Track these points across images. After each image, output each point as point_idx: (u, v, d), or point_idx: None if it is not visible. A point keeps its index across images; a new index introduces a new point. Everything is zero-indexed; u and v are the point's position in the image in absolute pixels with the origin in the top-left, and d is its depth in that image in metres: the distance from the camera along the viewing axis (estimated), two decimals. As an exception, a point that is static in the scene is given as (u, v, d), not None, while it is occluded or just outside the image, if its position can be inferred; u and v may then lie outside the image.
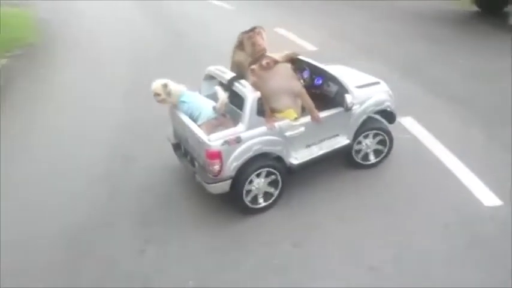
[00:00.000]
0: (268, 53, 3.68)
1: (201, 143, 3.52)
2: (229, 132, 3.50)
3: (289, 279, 3.18)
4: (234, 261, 3.36)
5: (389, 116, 4.30)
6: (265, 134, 3.60)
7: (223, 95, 3.71)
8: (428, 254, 3.32)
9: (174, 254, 3.49)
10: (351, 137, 4.08)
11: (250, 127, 3.54)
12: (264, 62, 3.56)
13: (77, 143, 5.10)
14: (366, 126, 4.11)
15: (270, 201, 3.84)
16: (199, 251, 3.48)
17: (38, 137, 5.21)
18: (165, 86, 3.90)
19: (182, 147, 4.14)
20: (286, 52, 3.80)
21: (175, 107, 4.01)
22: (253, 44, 3.70)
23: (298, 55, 3.95)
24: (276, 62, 3.61)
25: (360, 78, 4.35)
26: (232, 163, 3.52)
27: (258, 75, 3.58)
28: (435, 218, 3.68)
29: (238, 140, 3.49)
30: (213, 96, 3.94)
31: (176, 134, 4.24)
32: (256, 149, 3.58)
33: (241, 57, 3.88)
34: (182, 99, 3.93)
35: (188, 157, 4.02)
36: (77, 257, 3.50)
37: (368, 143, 4.21)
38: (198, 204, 4.00)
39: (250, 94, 3.54)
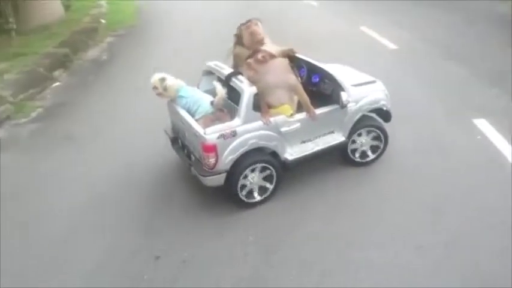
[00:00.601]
0: (265, 47, 3.75)
1: (197, 136, 3.58)
2: (225, 126, 3.56)
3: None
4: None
5: (385, 114, 4.34)
6: (261, 128, 3.66)
7: (221, 90, 3.75)
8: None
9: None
10: (346, 134, 4.12)
11: (246, 121, 3.59)
12: (259, 56, 3.61)
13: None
14: (360, 124, 4.16)
15: (265, 196, 3.89)
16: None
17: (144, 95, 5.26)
18: (162, 80, 3.97)
19: (179, 141, 4.20)
20: (283, 48, 3.85)
21: (173, 101, 4.07)
22: (252, 34, 3.82)
23: (296, 52, 3.99)
24: (272, 56, 3.66)
25: (357, 77, 4.41)
26: (227, 156, 3.57)
27: (254, 69, 3.63)
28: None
29: (233, 134, 3.54)
30: (212, 92, 4.00)
31: (174, 128, 4.31)
32: (252, 143, 3.63)
33: (240, 50, 3.95)
34: (180, 94, 3.99)
35: (185, 151, 4.07)
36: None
37: (363, 141, 4.26)
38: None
39: (247, 89, 3.59)
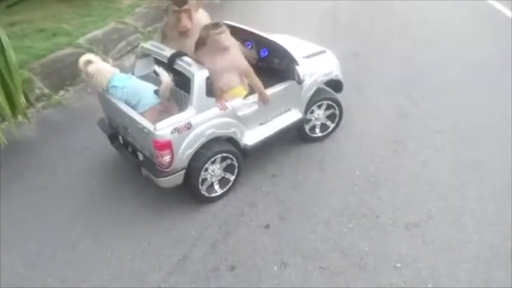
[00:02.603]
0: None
1: (146, 133, 3.09)
2: (177, 119, 3.09)
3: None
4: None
5: (336, 84, 4.16)
6: (217, 116, 3.27)
7: (167, 78, 3.24)
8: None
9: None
10: (303, 110, 3.89)
11: (200, 110, 3.17)
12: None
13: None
14: (318, 97, 3.95)
15: (227, 188, 3.58)
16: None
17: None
18: (87, 63, 3.37)
19: (120, 137, 3.63)
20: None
21: (105, 91, 3.46)
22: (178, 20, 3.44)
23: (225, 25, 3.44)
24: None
25: (305, 47, 4.13)
26: (184, 152, 3.15)
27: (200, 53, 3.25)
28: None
29: (188, 126, 3.11)
30: (148, 77, 3.50)
31: (111, 123, 3.71)
32: (209, 133, 3.24)
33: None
34: (114, 83, 3.38)
35: (129, 148, 3.56)
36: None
37: (320, 114, 4.08)
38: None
39: (197, 72, 3.12)
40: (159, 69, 3.29)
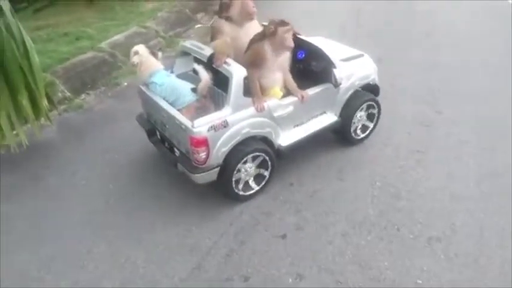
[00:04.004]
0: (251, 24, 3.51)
1: (184, 129, 3.16)
2: (215, 117, 3.17)
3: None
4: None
5: (373, 89, 4.14)
6: (253, 115, 3.31)
7: (206, 75, 3.32)
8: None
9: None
10: (338, 113, 3.90)
11: (236, 109, 3.22)
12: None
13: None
14: (359, 100, 3.94)
15: (262, 184, 3.60)
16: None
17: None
18: (135, 52, 3.52)
19: (158, 132, 3.70)
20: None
21: (145, 87, 3.57)
22: (244, 4, 3.44)
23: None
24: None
25: (343, 50, 4.15)
26: (219, 150, 3.21)
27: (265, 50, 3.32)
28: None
29: (225, 125, 3.17)
30: (187, 75, 3.64)
31: (149, 118, 3.78)
32: (245, 132, 3.28)
33: (219, 24, 3.50)
34: (153, 79, 3.50)
35: (166, 144, 3.61)
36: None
37: (363, 116, 4.10)
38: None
39: (236, 72, 3.18)
40: (199, 67, 3.36)
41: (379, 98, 4.15)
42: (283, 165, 3.82)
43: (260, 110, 3.30)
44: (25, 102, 3.73)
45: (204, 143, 3.10)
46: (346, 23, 7.31)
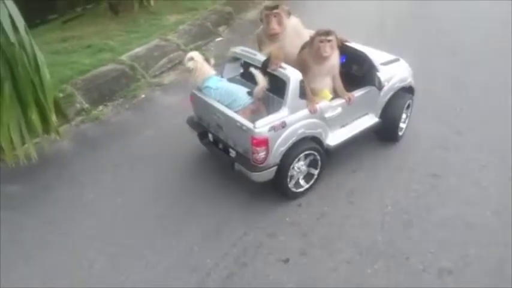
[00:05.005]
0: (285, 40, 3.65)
1: (244, 130, 3.34)
2: (274, 118, 3.35)
3: None
4: None
5: (408, 91, 4.29)
6: (307, 117, 3.50)
7: (263, 80, 3.49)
8: None
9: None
10: (378, 114, 4.09)
11: (293, 111, 3.40)
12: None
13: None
14: (403, 100, 4.15)
15: (312, 182, 3.76)
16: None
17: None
18: (190, 59, 3.74)
19: (210, 135, 3.85)
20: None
21: (199, 91, 3.77)
22: (267, 26, 3.63)
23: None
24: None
25: (380, 55, 4.24)
26: (278, 149, 3.40)
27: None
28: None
29: (283, 125, 3.36)
30: (234, 80, 3.89)
31: (201, 122, 3.95)
32: (300, 132, 3.47)
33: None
34: (208, 84, 3.69)
35: (220, 145, 3.76)
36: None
37: (404, 115, 4.30)
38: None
39: (293, 76, 3.36)
40: (256, 72, 3.50)
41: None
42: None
43: (313, 112, 3.48)
44: (34, 116, 3.83)
45: (264, 142, 3.29)
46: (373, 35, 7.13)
